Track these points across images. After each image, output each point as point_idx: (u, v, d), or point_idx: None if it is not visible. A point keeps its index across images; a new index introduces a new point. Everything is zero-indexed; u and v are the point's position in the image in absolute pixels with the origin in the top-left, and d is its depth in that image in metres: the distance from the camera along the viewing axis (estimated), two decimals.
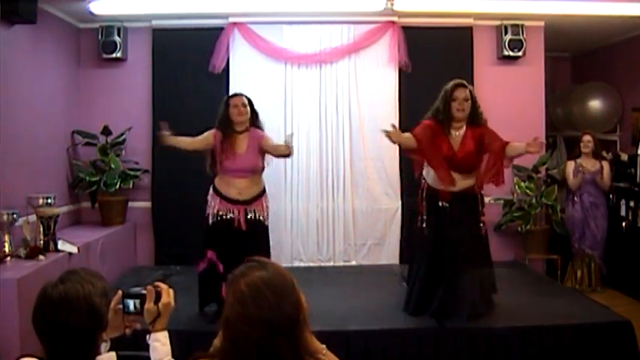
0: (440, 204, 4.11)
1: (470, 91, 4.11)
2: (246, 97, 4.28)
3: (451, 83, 4.14)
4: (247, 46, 5.93)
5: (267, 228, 4.31)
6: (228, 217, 4.13)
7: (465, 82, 4.19)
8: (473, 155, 4.08)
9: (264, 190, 4.33)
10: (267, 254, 4.18)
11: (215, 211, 4.16)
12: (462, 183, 4.10)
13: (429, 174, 4.21)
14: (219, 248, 4.11)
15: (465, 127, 4.11)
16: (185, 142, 4.29)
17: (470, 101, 4.08)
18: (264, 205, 4.28)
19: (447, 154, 4.07)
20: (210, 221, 4.16)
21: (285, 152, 4.25)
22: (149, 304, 1.85)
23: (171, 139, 4.24)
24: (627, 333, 3.95)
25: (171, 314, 1.90)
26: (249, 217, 4.16)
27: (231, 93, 4.57)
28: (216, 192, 4.21)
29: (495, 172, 4.07)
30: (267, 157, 4.36)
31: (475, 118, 4.12)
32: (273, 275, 1.58)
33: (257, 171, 4.25)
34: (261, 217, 4.22)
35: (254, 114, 4.29)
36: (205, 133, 4.27)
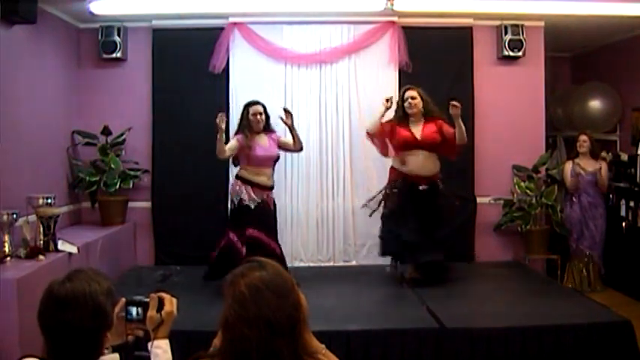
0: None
1: (418, 92, 5.04)
2: (262, 105, 5.00)
3: (403, 88, 5.18)
4: (247, 46, 5.93)
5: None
6: (260, 200, 4.88)
7: (413, 86, 5.13)
8: (436, 137, 5.00)
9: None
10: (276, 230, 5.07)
11: (250, 196, 4.85)
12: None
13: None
14: (265, 227, 4.85)
15: (423, 120, 5.05)
16: (225, 147, 4.88)
17: (417, 99, 5.01)
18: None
19: (411, 139, 5.01)
20: (252, 205, 4.84)
21: (296, 142, 5.09)
22: (152, 312, 1.85)
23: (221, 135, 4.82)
24: (627, 333, 3.94)
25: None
26: (273, 199, 5.04)
27: (250, 100, 5.08)
28: (246, 181, 4.90)
29: (451, 150, 5.10)
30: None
31: (428, 112, 5.04)
32: (273, 275, 1.58)
33: (276, 161, 5.07)
34: (274, 203, 5.08)
35: (267, 118, 5.03)
36: (232, 142, 4.92)
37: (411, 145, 4.99)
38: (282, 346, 1.50)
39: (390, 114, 5.19)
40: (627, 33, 6.44)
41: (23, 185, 4.62)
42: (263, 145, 4.93)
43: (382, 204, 5.20)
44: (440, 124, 5.01)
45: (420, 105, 5.01)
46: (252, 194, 4.85)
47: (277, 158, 5.06)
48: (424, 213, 5.00)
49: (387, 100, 5.09)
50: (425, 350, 3.84)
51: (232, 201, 4.96)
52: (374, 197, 5.29)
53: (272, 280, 1.56)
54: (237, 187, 4.90)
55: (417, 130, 5.01)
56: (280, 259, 4.82)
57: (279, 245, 4.97)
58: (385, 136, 5.18)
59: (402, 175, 5.04)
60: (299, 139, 5.09)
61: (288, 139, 5.09)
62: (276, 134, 5.10)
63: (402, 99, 5.09)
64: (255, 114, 4.93)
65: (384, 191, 5.21)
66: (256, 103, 5.01)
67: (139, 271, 5.61)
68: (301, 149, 5.20)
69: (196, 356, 1.66)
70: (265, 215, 4.91)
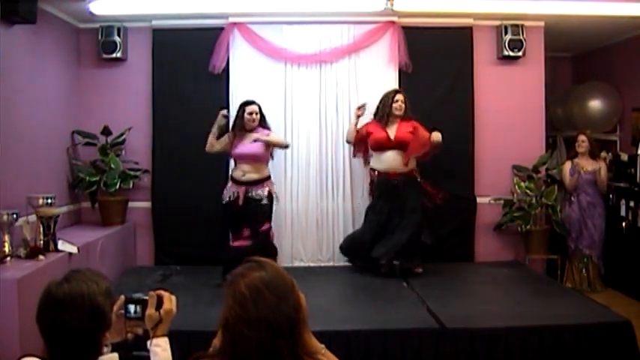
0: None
1: (404, 96, 5.43)
2: (257, 104, 5.22)
3: (392, 90, 5.52)
4: (247, 46, 5.93)
5: (265, 205, 5.16)
6: (235, 195, 5.13)
7: (400, 89, 5.57)
8: (409, 137, 5.33)
9: (267, 178, 5.22)
10: (262, 223, 5.12)
11: (228, 191, 5.18)
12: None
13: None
14: (231, 223, 5.17)
15: (398, 121, 5.41)
16: (215, 142, 5.30)
17: (404, 104, 5.39)
18: (266, 188, 5.17)
19: (385, 140, 5.37)
20: (224, 201, 5.18)
21: (278, 142, 5.32)
22: (151, 310, 1.85)
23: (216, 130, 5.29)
24: (627, 333, 3.94)
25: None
26: (248, 195, 5.11)
27: (246, 99, 5.30)
28: (230, 177, 5.26)
29: (423, 153, 5.39)
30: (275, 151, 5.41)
31: (406, 115, 5.40)
32: (273, 276, 1.58)
33: (258, 159, 5.17)
34: (258, 197, 5.12)
35: (262, 117, 5.24)
36: (224, 138, 5.28)
37: (385, 145, 5.35)
38: (282, 346, 1.50)
39: (364, 120, 5.60)
40: (627, 33, 6.44)
41: (23, 185, 4.62)
42: (246, 142, 5.15)
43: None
44: (415, 125, 5.36)
45: (404, 109, 5.41)
46: (230, 189, 5.19)
47: (260, 156, 5.17)
48: (400, 206, 5.35)
49: (359, 108, 5.56)
50: (425, 350, 3.84)
51: None
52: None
53: (272, 281, 1.56)
54: (227, 184, 5.27)
55: (392, 131, 5.37)
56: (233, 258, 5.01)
57: (241, 239, 5.11)
58: (363, 140, 5.56)
59: (381, 174, 5.42)
60: (279, 143, 5.35)
61: (275, 138, 5.33)
62: (265, 131, 5.24)
63: (392, 100, 5.38)
64: (251, 113, 5.15)
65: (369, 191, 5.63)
66: (252, 102, 5.22)
67: (139, 271, 5.60)
68: (286, 147, 5.49)
69: (196, 356, 1.66)
70: (231, 211, 5.16)
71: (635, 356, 3.90)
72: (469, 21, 6.01)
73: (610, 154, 6.58)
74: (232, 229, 5.21)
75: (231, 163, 5.51)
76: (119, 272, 5.41)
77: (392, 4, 5.30)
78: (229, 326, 1.53)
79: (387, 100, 5.42)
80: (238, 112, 5.22)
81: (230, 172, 5.36)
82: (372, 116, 5.57)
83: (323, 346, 1.64)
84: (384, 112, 5.40)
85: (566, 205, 6.04)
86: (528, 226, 5.87)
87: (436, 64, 5.98)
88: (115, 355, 1.78)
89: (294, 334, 1.54)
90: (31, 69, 4.96)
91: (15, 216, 4.12)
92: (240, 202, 5.11)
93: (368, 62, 5.98)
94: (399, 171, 5.36)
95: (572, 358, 3.85)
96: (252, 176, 5.14)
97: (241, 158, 5.19)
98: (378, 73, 5.96)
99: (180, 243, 5.91)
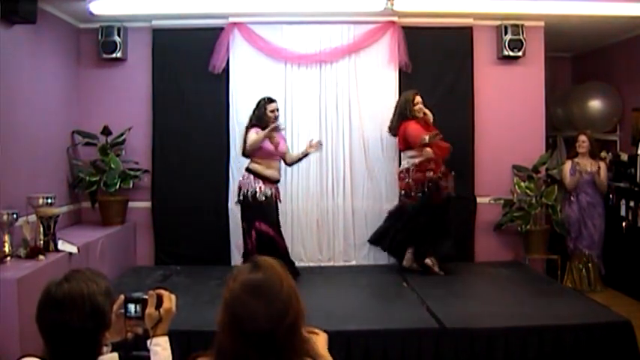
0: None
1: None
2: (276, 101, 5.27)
3: (410, 92, 5.49)
4: (247, 46, 5.93)
5: None
6: (269, 193, 5.06)
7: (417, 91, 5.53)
8: None
9: None
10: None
11: (263, 190, 5.03)
12: None
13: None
14: (271, 221, 5.07)
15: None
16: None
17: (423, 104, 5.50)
18: None
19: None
20: (262, 199, 5.01)
21: (294, 160, 5.46)
22: (150, 309, 1.85)
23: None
24: (627, 333, 3.94)
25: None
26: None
27: (266, 96, 5.25)
28: (259, 175, 5.07)
29: None
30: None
31: None
32: (268, 278, 1.56)
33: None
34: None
35: None
36: (257, 136, 5.02)
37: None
38: (275, 348, 1.50)
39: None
40: (627, 33, 6.44)
41: (23, 185, 4.62)
42: (278, 140, 5.17)
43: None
44: None
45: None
46: (263, 188, 5.05)
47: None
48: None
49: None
50: (425, 350, 3.84)
51: (244, 194, 5.04)
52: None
53: (266, 283, 1.55)
54: (250, 181, 5.05)
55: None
56: (286, 254, 5.09)
57: (283, 239, 5.21)
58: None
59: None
60: (298, 161, 5.46)
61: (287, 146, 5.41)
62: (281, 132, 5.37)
63: (412, 103, 5.41)
64: (273, 110, 5.16)
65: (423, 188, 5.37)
66: (274, 100, 5.24)
67: (139, 271, 5.60)
68: (289, 165, 5.47)
69: (195, 356, 1.66)
70: (274, 209, 5.15)
71: (635, 356, 3.90)
72: (469, 21, 6.01)
73: (610, 154, 6.58)
74: (273, 227, 5.08)
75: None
76: (119, 272, 5.41)
77: (392, 4, 5.31)
78: (225, 326, 1.53)
79: (406, 103, 5.44)
80: (260, 108, 5.14)
81: (257, 171, 5.08)
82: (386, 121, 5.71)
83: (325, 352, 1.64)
84: (410, 115, 5.40)
85: (565, 205, 6.04)
86: (528, 226, 5.87)
87: (436, 64, 5.98)
88: (115, 354, 1.78)
89: (288, 337, 1.53)
90: (31, 69, 4.96)
91: (15, 216, 4.12)
92: (280, 200, 5.26)
93: (368, 62, 5.98)
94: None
95: (572, 358, 3.85)
96: (279, 175, 5.25)
97: (276, 156, 5.20)
98: (378, 73, 5.96)
99: (180, 243, 5.91)
